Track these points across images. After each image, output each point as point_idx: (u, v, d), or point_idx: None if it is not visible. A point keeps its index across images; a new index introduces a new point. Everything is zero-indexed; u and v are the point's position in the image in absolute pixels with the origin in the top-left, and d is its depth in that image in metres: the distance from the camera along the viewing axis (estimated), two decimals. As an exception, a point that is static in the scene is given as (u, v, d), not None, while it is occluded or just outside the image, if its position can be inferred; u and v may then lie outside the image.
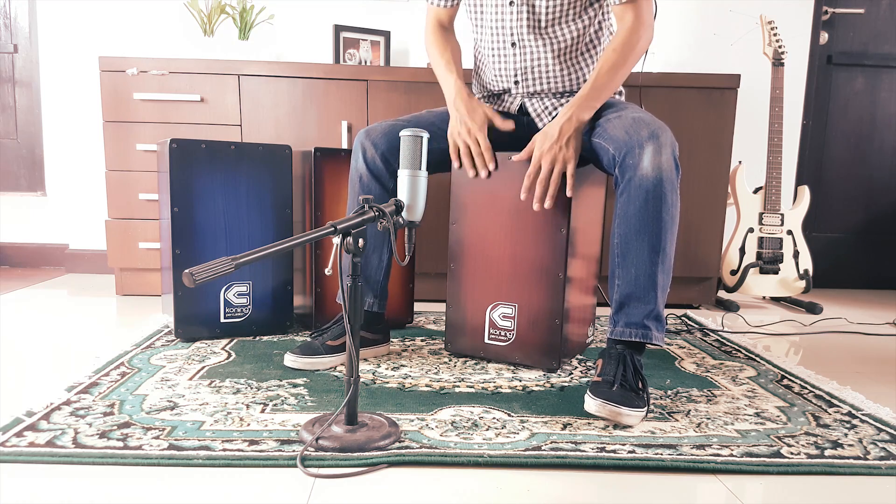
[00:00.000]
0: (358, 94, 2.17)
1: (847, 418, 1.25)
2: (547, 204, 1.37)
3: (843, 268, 2.88)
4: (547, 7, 1.42)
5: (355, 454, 1.02)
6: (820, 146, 2.81)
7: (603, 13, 1.48)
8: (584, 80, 1.51)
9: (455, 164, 1.49)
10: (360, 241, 1.05)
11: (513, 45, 1.49)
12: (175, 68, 2.13)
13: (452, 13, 1.63)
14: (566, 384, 1.41)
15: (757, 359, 1.65)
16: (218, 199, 1.64)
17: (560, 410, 1.25)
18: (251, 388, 1.31)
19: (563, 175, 1.36)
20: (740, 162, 2.39)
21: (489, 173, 1.45)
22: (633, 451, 1.07)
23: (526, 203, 1.43)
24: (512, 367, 1.51)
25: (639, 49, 1.39)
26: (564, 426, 1.17)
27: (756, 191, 2.36)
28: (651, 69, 2.32)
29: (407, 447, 1.05)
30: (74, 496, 0.90)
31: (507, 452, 1.04)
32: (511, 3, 1.45)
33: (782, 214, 2.35)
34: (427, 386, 1.36)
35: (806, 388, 1.42)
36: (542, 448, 1.07)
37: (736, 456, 1.06)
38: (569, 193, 1.37)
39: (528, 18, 1.45)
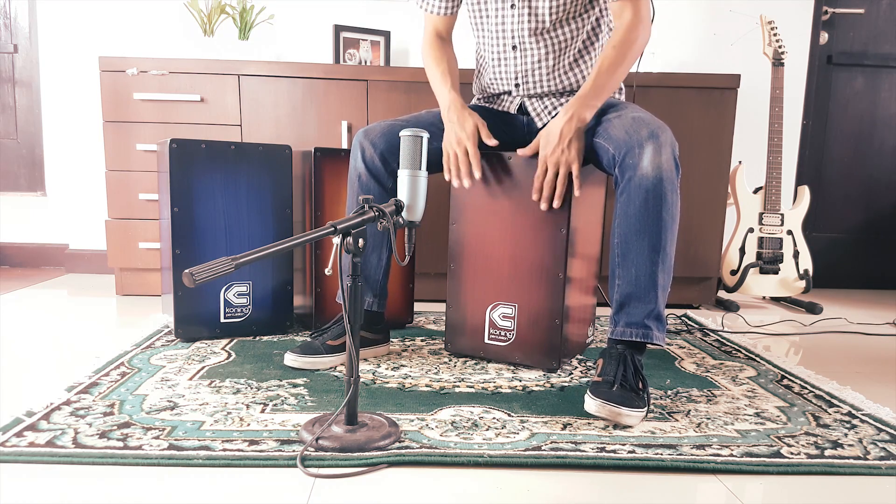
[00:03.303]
0: (358, 94, 2.17)
1: (847, 418, 1.25)
2: (555, 204, 1.38)
3: (843, 268, 2.88)
4: (549, 9, 1.42)
5: (355, 454, 1.02)
6: (820, 146, 2.81)
7: (601, 9, 1.48)
8: (584, 78, 1.51)
9: (446, 177, 1.47)
10: (360, 241, 1.05)
11: (514, 47, 1.49)
12: (175, 68, 2.13)
13: (450, 22, 1.61)
14: (566, 384, 1.41)
15: (757, 359, 1.65)
16: (218, 199, 1.64)
17: (560, 410, 1.25)
18: (251, 388, 1.31)
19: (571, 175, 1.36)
20: (740, 162, 2.39)
21: (473, 181, 1.43)
22: (633, 451, 1.07)
23: (526, 203, 1.43)
24: (512, 367, 1.51)
25: (637, 46, 1.38)
26: (564, 426, 1.17)
27: (756, 191, 2.36)
28: (651, 69, 2.33)
29: (407, 447, 1.05)
30: (74, 496, 0.90)
31: (507, 452, 1.04)
32: (512, 6, 1.45)
33: (782, 214, 2.35)
34: (427, 386, 1.36)
35: (806, 388, 1.42)
36: (542, 448, 1.07)
37: (736, 456, 1.06)
38: (576, 193, 1.37)
39: (528, 21, 1.45)
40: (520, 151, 1.41)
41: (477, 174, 1.42)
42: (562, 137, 1.33)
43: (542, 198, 1.38)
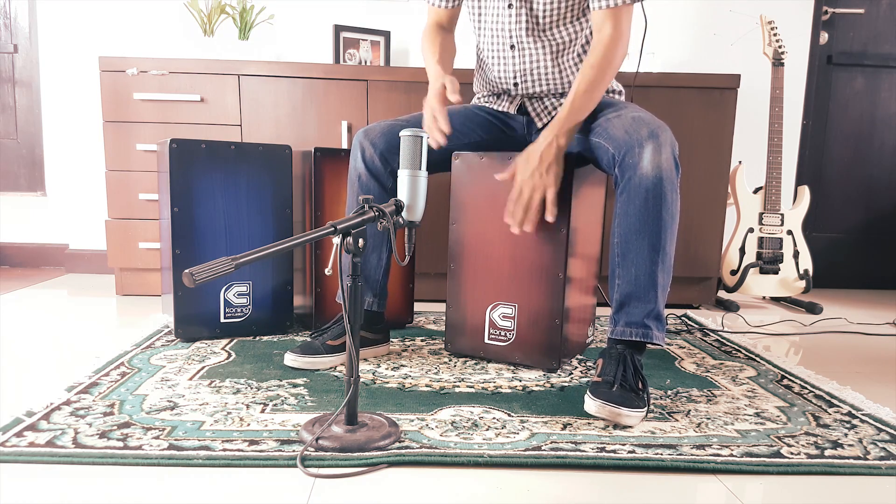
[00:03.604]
0: (358, 94, 2.17)
1: (847, 418, 1.25)
2: (527, 228, 1.35)
3: (843, 268, 2.88)
4: (545, 9, 1.42)
5: (355, 454, 1.02)
6: (820, 146, 2.81)
7: None
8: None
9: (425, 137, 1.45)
10: (360, 241, 1.05)
11: (512, 47, 1.49)
12: (175, 68, 2.13)
13: (453, 15, 1.61)
14: (566, 384, 1.41)
15: (757, 359, 1.65)
16: (218, 199, 1.64)
17: (560, 410, 1.25)
18: (251, 388, 1.31)
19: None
20: (740, 162, 2.39)
21: (444, 137, 1.40)
22: (633, 451, 1.07)
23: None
24: (512, 367, 1.51)
25: (615, 65, 1.37)
26: (564, 426, 1.17)
27: (756, 191, 2.36)
28: (651, 69, 2.32)
29: (407, 447, 1.05)
30: (74, 496, 0.90)
31: (507, 452, 1.04)
32: (510, 6, 1.45)
33: (782, 214, 2.35)
34: (427, 386, 1.36)
35: (806, 388, 1.42)
36: (542, 448, 1.07)
37: (736, 456, 1.06)
38: (549, 218, 1.34)
39: (526, 21, 1.45)
40: (498, 176, 1.39)
41: (446, 129, 1.38)
42: (541, 161, 1.32)
43: (515, 221, 1.35)
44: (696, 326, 2.00)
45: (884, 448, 1.12)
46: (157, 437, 1.06)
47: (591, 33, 1.48)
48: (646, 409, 1.19)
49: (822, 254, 2.81)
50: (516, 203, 1.35)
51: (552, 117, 1.53)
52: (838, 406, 1.32)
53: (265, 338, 1.70)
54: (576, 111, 1.35)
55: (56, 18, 2.56)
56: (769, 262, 2.34)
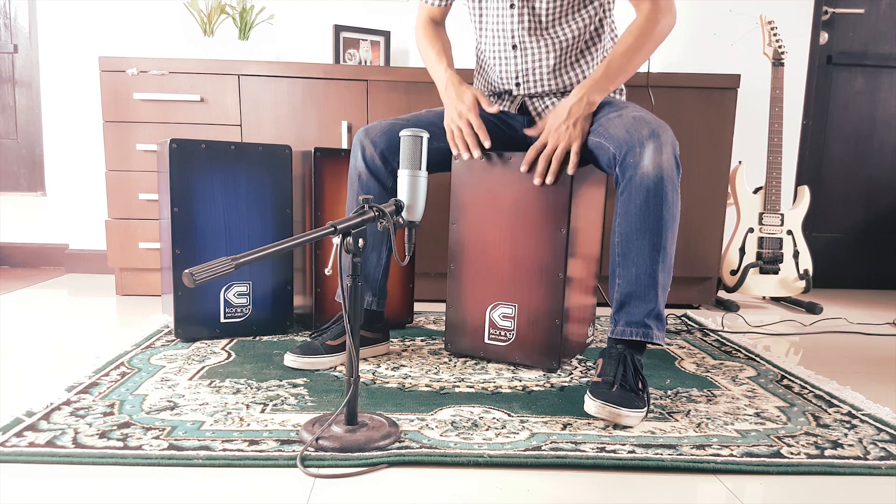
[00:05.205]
0: (358, 94, 2.17)
1: (847, 418, 1.25)
2: (548, 180, 1.38)
3: (843, 268, 2.88)
4: (547, 7, 1.42)
5: (355, 454, 1.02)
6: (820, 146, 2.81)
7: (604, 10, 1.48)
8: (584, 78, 1.51)
9: (454, 152, 1.49)
10: (360, 241, 1.05)
11: (514, 47, 1.49)
12: (175, 68, 2.13)
13: (445, 11, 1.65)
14: (566, 384, 1.41)
15: (757, 359, 1.65)
16: (218, 199, 1.64)
17: (560, 410, 1.25)
18: (251, 388, 1.31)
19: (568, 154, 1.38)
20: (740, 162, 2.39)
21: (482, 153, 1.45)
22: (633, 451, 1.07)
23: (526, 203, 1.43)
24: (512, 367, 1.51)
25: (657, 33, 1.36)
26: (564, 426, 1.17)
27: (756, 191, 2.36)
28: (651, 69, 2.32)
29: (407, 447, 1.05)
30: (74, 496, 0.90)
31: (507, 452, 1.04)
32: (512, 6, 1.45)
33: (782, 214, 2.35)
34: (427, 386, 1.36)
35: (806, 388, 1.42)
36: (542, 448, 1.07)
37: (736, 456, 1.06)
38: (570, 171, 1.37)
39: (528, 20, 1.45)
40: (527, 130, 1.43)
41: (486, 143, 1.43)
42: (570, 115, 1.35)
43: (537, 172, 1.39)
44: (696, 326, 2.00)
45: (884, 448, 1.12)
46: (157, 437, 1.06)
47: (595, 31, 1.48)
48: (646, 409, 1.19)
49: (822, 254, 2.81)
50: (539, 152, 1.38)
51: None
52: (838, 406, 1.32)
53: (265, 338, 1.70)
54: (611, 72, 1.36)
55: (56, 18, 2.56)
56: (769, 262, 2.34)
